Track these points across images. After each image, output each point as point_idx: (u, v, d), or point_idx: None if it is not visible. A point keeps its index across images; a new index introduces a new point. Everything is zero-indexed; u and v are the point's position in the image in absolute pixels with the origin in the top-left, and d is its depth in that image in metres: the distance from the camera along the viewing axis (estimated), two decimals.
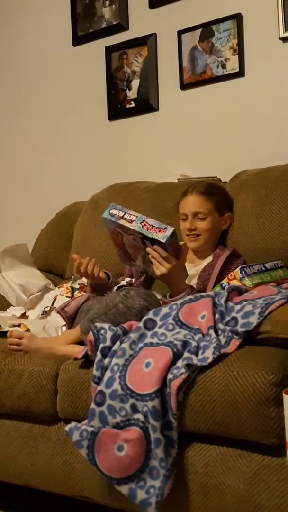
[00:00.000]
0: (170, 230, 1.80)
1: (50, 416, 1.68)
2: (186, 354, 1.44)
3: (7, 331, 1.95)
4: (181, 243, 1.96)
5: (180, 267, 1.88)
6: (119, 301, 1.73)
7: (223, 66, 2.58)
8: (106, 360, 1.52)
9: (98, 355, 1.53)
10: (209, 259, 2.08)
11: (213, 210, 2.09)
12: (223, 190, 2.18)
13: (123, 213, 1.86)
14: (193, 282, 2.02)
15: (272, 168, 2.18)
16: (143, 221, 1.82)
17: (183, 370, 1.39)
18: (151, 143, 2.83)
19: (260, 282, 1.72)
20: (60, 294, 2.24)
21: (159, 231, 1.80)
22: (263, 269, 1.77)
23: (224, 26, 2.58)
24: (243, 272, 1.73)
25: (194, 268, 2.08)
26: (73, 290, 2.30)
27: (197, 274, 2.04)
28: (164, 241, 1.79)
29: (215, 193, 2.12)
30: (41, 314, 2.12)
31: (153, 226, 1.81)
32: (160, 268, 1.83)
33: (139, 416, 1.42)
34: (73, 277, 2.40)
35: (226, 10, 2.57)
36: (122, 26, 2.88)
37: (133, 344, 1.53)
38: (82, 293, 2.25)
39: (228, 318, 1.53)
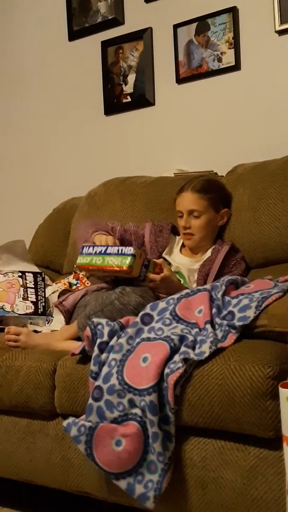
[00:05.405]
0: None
1: (48, 412, 1.68)
2: (183, 349, 1.44)
3: (4, 327, 1.95)
4: (158, 260, 1.93)
5: (170, 277, 1.89)
6: (115, 298, 1.73)
7: (219, 60, 2.58)
8: (104, 355, 1.52)
9: (96, 350, 1.53)
10: (208, 253, 2.08)
11: (209, 207, 2.08)
12: (219, 186, 2.16)
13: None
14: (194, 278, 2.03)
15: (268, 162, 2.17)
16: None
17: (180, 364, 1.39)
18: (147, 138, 2.82)
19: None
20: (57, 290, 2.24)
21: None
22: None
23: (219, 20, 2.57)
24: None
25: (193, 263, 2.08)
26: (70, 285, 2.29)
27: (196, 269, 2.04)
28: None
29: (211, 190, 2.10)
30: (47, 323, 2.11)
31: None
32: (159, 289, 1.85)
33: (136, 410, 1.42)
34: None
35: (222, 3, 2.56)
36: (118, 21, 2.87)
37: (130, 339, 1.53)
38: (81, 287, 2.25)
39: (225, 312, 1.54)
